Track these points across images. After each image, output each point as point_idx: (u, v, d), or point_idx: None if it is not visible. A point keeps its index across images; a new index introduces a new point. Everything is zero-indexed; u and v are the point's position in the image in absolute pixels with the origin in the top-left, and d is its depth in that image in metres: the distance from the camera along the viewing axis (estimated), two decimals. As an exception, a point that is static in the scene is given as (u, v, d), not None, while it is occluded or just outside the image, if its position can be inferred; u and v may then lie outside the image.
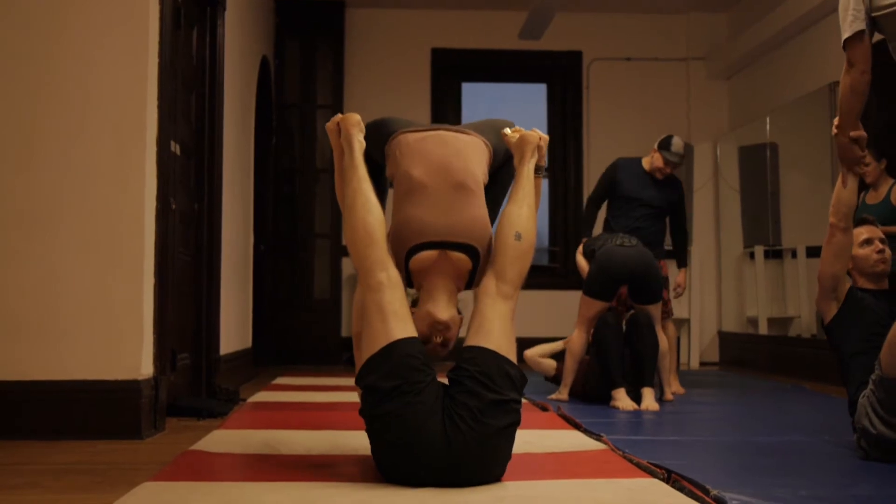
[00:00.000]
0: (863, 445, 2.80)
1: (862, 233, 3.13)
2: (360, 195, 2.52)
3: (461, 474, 2.30)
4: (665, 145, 5.05)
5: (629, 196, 5.12)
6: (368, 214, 2.49)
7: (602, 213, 5.34)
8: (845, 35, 2.82)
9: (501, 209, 2.65)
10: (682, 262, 5.37)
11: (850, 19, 2.81)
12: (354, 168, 2.59)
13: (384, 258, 2.46)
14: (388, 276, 2.43)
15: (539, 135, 2.71)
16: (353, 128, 2.67)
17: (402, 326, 2.37)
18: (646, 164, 5.16)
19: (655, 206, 5.12)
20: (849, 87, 2.83)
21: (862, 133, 2.91)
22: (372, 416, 2.35)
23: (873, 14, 2.79)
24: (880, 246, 3.10)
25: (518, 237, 2.51)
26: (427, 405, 2.28)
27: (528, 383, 2.53)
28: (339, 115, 2.75)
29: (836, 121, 2.95)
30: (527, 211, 2.57)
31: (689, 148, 4.91)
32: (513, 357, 2.41)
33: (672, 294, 5.37)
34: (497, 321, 2.43)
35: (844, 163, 2.97)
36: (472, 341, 2.41)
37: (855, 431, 2.89)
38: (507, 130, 2.76)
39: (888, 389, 2.69)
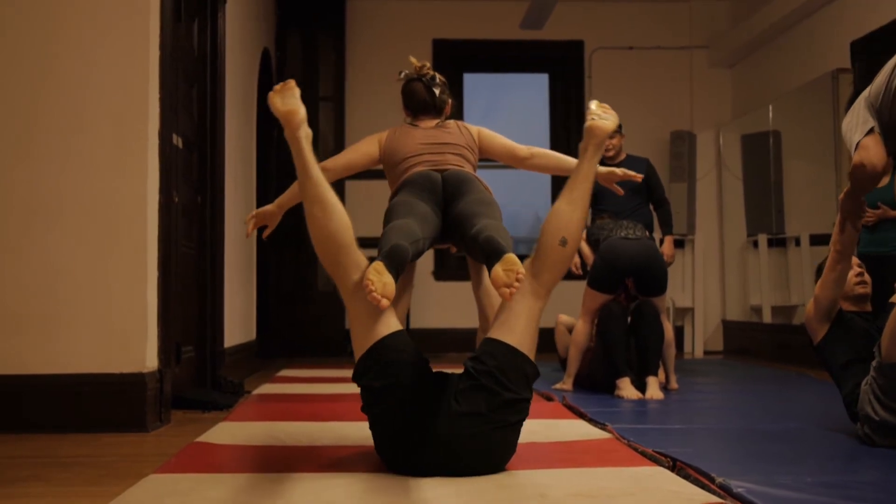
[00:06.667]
0: (866, 432, 2.82)
1: None
2: (317, 203, 2.37)
3: (463, 467, 2.31)
4: None
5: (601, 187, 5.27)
6: (330, 221, 2.36)
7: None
8: (857, 139, 2.75)
9: (554, 204, 2.52)
10: (668, 229, 5.38)
11: (860, 123, 2.77)
12: (306, 171, 2.38)
13: (356, 258, 2.39)
14: (363, 275, 2.37)
15: (611, 128, 2.57)
16: (297, 130, 2.36)
17: (386, 323, 2.37)
18: None
19: (627, 186, 5.24)
20: (867, 173, 2.76)
21: None
22: (371, 413, 2.38)
23: (878, 105, 2.76)
24: (858, 270, 3.22)
25: (563, 243, 2.43)
26: (422, 400, 2.30)
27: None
28: (276, 102, 2.34)
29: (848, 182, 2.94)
30: (579, 215, 2.47)
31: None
32: (532, 355, 2.40)
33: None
34: (524, 317, 2.39)
35: (845, 213, 2.98)
36: (494, 334, 2.41)
37: (857, 421, 2.90)
38: (593, 105, 2.65)
39: (887, 375, 2.73)
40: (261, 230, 3.10)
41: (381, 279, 2.23)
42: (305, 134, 2.38)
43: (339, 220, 2.38)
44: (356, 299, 2.37)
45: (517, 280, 2.22)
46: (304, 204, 2.41)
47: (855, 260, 3.22)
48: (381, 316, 2.36)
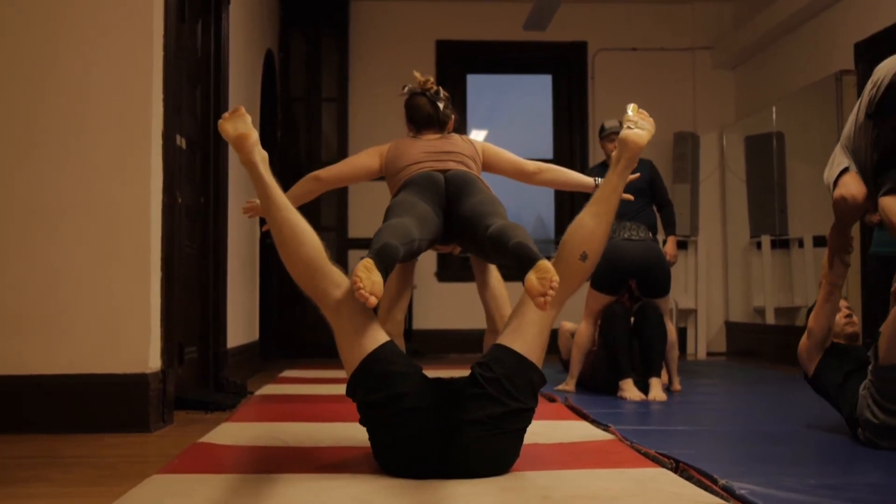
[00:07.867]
0: (868, 437, 2.82)
1: None
2: (285, 228, 2.34)
3: (466, 472, 2.31)
4: (601, 131, 5.11)
5: None
6: (301, 246, 2.34)
7: None
8: (834, 178, 2.85)
9: (579, 215, 2.47)
10: (672, 229, 5.36)
11: (837, 165, 2.87)
12: (267, 196, 2.36)
13: (332, 276, 2.36)
14: (342, 291, 2.35)
15: (646, 142, 2.48)
16: (251, 154, 2.34)
17: (372, 337, 2.35)
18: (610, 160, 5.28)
19: (631, 187, 5.19)
20: (849, 205, 2.84)
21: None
22: (368, 426, 2.38)
23: (852, 147, 2.87)
24: (847, 311, 3.27)
25: (584, 258, 2.40)
26: (421, 409, 2.28)
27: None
28: (227, 128, 2.35)
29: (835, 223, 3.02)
30: (603, 230, 2.43)
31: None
32: (540, 363, 2.39)
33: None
34: (536, 326, 2.37)
35: (833, 249, 3.05)
36: (504, 340, 2.39)
37: (857, 426, 2.90)
38: (630, 109, 2.56)
39: (882, 377, 2.75)
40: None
41: (369, 277, 2.17)
42: (261, 157, 2.37)
43: (310, 244, 2.34)
44: (340, 317, 2.35)
45: (551, 288, 2.13)
46: (272, 229, 2.39)
47: (843, 302, 3.25)
48: (368, 330, 2.34)
